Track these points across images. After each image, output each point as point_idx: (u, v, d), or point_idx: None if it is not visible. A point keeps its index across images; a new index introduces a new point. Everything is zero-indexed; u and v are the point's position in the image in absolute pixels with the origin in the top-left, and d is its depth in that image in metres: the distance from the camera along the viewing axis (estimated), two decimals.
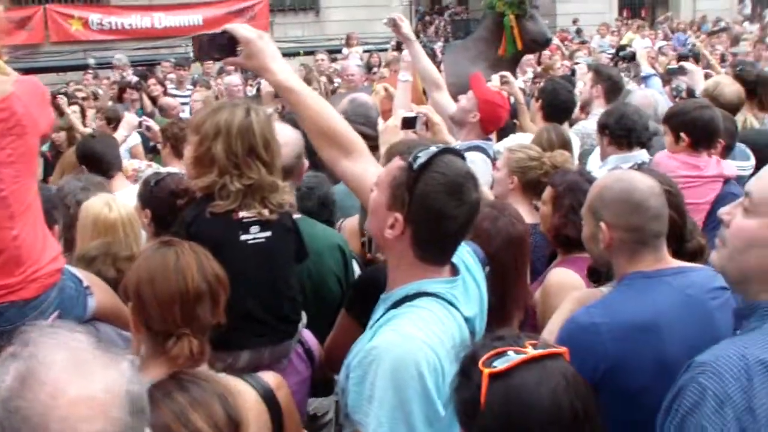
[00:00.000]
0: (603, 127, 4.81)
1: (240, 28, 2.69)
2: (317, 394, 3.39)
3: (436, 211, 2.16)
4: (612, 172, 3.01)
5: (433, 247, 2.25)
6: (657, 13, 29.60)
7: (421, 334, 2.10)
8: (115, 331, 2.99)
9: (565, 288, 3.27)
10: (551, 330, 2.85)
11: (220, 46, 2.74)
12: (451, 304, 2.24)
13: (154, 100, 10.58)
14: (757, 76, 6.78)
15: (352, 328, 2.87)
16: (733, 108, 5.38)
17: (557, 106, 5.71)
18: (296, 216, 3.46)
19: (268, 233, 2.92)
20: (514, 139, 5.06)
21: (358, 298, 2.91)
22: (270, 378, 2.64)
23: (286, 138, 3.28)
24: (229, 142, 2.86)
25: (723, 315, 2.37)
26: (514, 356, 1.70)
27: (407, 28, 5.33)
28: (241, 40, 2.67)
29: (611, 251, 2.68)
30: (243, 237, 2.88)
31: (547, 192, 3.67)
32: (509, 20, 9.27)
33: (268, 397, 2.55)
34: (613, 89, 6.12)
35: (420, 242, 2.22)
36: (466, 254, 2.47)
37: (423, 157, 2.16)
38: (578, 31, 24.50)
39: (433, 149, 2.19)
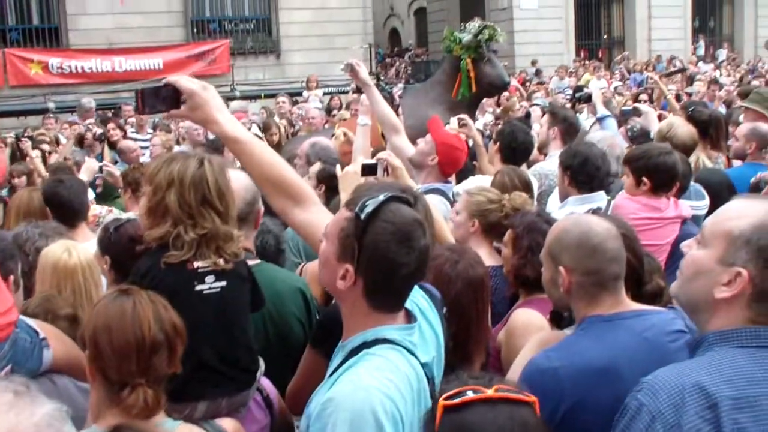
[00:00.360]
0: (566, 168, 4.84)
1: (183, 80, 2.68)
2: None
3: (386, 260, 2.16)
4: (569, 216, 3.04)
5: (386, 295, 2.25)
6: (614, 54, 30.15)
7: (377, 382, 2.10)
8: (73, 383, 2.93)
9: (530, 329, 3.30)
10: (514, 371, 2.86)
11: (164, 99, 2.71)
12: (408, 350, 2.24)
13: (113, 144, 10.54)
14: (710, 116, 6.92)
15: (318, 365, 2.86)
16: (687, 149, 5.48)
17: (515, 148, 5.76)
18: (256, 261, 3.47)
19: (223, 283, 2.91)
20: (473, 182, 5.09)
21: (325, 334, 2.89)
22: (227, 424, 2.63)
23: (240, 184, 3.27)
24: (183, 193, 2.85)
25: (682, 357, 2.38)
26: (470, 394, 1.79)
27: (364, 73, 5.36)
28: (184, 92, 2.66)
29: (570, 295, 2.72)
30: (198, 287, 2.85)
31: (508, 234, 3.71)
32: (466, 64, 9.34)
33: None
34: (569, 131, 6.19)
35: (372, 291, 2.22)
36: (420, 298, 2.47)
37: (370, 206, 2.17)
38: (537, 72, 24.89)
39: (380, 198, 2.20)
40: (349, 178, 3.64)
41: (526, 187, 4.83)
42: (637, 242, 3.03)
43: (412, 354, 2.25)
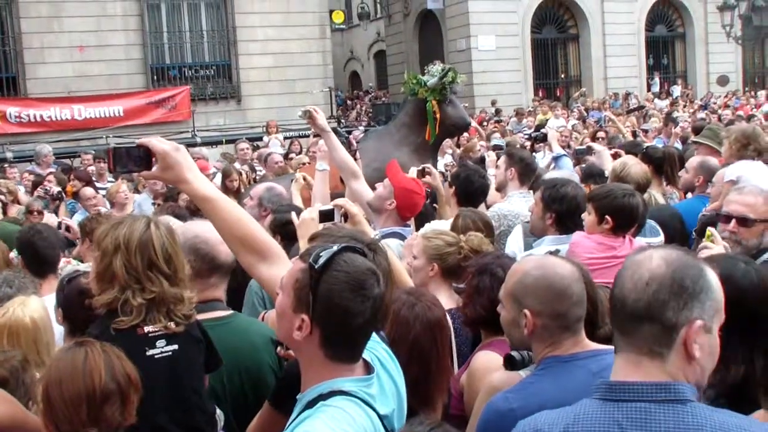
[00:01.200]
0: (550, 209, 4.84)
1: (155, 141, 2.70)
2: None
3: (341, 309, 2.17)
4: (527, 258, 3.08)
5: (342, 344, 2.25)
6: (571, 92, 30.58)
7: None
8: None
9: (490, 371, 3.29)
10: (475, 417, 2.89)
11: (136, 159, 2.72)
12: (366, 402, 2.23)
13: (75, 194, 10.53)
14: (663, 153, 7.07)
15: (274, 422, 2.86)
16: (641, 187, 5.57)
17: (471, 192, 5.80)
18: (228, 313, 3.47)
19: (175, 346, 2.93)
20: (432, 226, 5.13)
21: (284, 394, 2.89)
22: None
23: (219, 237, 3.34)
24: (129, 258, 2.88)
25: None
26: None
27: (322, 119, 5.40)
28: (157, 153, 2.67)
29: (533, 336, 2.75)
30: (149, 352, 2.87)
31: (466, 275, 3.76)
32: (431, 106, 9.46)
33: None
34: (526, 171, 6.26)
35: (328, 341, 2.22)
36: (380, 349, 2.48)
37: (324, 256, 2.18)
38: (497, 111, 25.15)
39: (334, 248, 2.22)
40: (307, 225, 3.66)
41: (488, 227, 4.87)
42: (593, 286, 3.07)
43: (370, 406, 2.24)
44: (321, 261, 2.18)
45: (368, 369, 2.36)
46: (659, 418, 1.94)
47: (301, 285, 2.21)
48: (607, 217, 4.49)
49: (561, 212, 4.80)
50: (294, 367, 2.64)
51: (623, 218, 4.53)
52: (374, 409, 2.25)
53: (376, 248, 3.04)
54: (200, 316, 3.27)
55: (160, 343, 2.89)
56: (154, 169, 2.71)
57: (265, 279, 2.78)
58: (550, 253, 3.42)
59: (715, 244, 4.09)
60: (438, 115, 9.44)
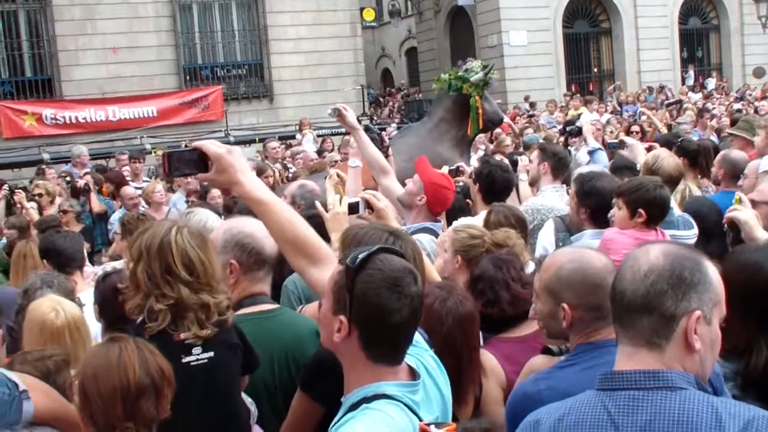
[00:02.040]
0: (584, 204, 4.87)
1: (209, 144, 2.72)
2: None
3: (377, 308, 2.17)
4: (561, 251, 3.08)
5: (381, 344, 2.24)
6: (604, 87, 30.37)
7: None
8: None
9: (487, 371, 3.41)
10: None
11: (191, 162, 2.76)
12: (410, 408, 2.22)
13: (113, 195, 10.70)
14: (698, 146, 7.00)
15: (307, 409, 2.88)
16: (673, 180, 5.51)
17: (494, 188, 5.78)
18: (274, 306, 3.50)
19: (211, 353, 2.95)
20: (464, 221, 5.12)
21: (313, 377, 2.91)
22: None
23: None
24: (150, 264, 2.91)
25: None
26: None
27: (352, 117, 5.41)
28: (211, 156, 2.69)
29: (571, 329, 2.77)
30: (185, 359, 2.89)
31: None
32: (475, 101, 9.60)
33: None
34: (559, 165, 6.24)
35: (367, 341, 2.22)
36: (428, 358, 2.48)
37: (359, 257, 2.20)
38: (532, 105, 25.04)
39: (370, 249, 2.24)
40: (338, 219, 3.67)
41: (521, 222, 4.85)
42: None
43: (414, 412, 2.23)
44: (356, 261, 2.19)
45: (414, 375, 2.35)
46: (645, 404, 1.97)
47: (338, 286, 2.23)
48: (640, 210, 4.44)
49: (594, 206, 4.78)
50: (323, 352, 2.66)
51: (656, 211, 4.49)
52: (418, 416, 2.23)
53: (400, 235, 3.06)
54: (247, 310, 3.32)
55: (196, 350, 2.91)
56: (209, 172, 2.74)
57: (315, 282, 2.76)
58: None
59: (745, 207, 4.05)
60: (480, 111, 9.59)
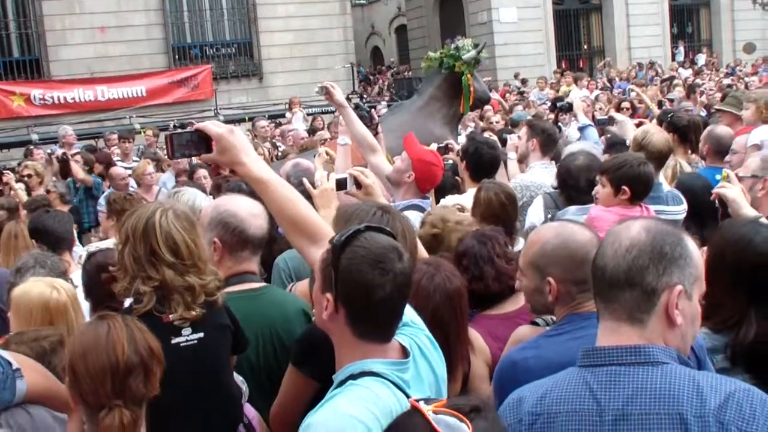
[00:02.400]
0: (563, 183, 4.94)
1: (210, 125, 2.73)
2: None
3: (360, 284, 2.19)
4: (545, 226, 3.08)
5: (367, 321, 2.25)
6: (594, 63, 30.32)
7: (356, 410, 2.09)
8: (49, 413, 2.92)
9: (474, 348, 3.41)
10: None
11: (192, 143, 2.78)
12: (397, 386, 2.22)
13: (102, 174, 10.68)
14: (688, 122, 6.99)
15: (299, 384, 2.88)
16: (663, 156, 5.51)
17: (482, 165, 5.76)
18: (261, 285, 3.50)
19: (201, 334, 2.96)
20: (453, 199, 5.13)
21: (304, 352, 2.91)
22: None
23: (255, 211, 3.40)
24: (135, 246, 2.94)
25: None
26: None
27: (339, 95, 5.40)
28: (212, 137, 2.70)
29: (557, 302, 2.80)
30: (175, 340, 2.91)
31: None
32: (467, 79, 9.71)
33: None
34: (547, 142, 6.23)
35: (353, 318, 2.24)
36: (423, 338, 2.48)
37: (344, 234, 2.23)
38: (524, 81, 25.01)
39: (357, 227, 2.26)
40: (326, 196, 3.67)
41: (510, 199, 4.83)
42: None
43: (402, 390, 2.23)
44: (341, 238, 2.22)
45: (405, 354, 2.35)
46: (626, 379, 1.99)
47: (325, 264, 2.26)
48: (624, 187, 4.46)
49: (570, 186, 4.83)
50: (313, 329, 2.67)
51: (640, 187, 4.51)
52: (406, 394, 2.22)
53: (390, 210, 3.06)
54: (232, 289, 3.31)
55: (186, 331, 2.93)
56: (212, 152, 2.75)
57: (314, 261, 2.72)
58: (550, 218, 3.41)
59: (732, 184, 4.06)
60: (473, 88, 9.68)
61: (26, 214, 7.37)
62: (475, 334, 3.47)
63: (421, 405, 1.73)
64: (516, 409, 2.15)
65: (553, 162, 6.15)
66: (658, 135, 5.69)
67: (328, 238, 2.62)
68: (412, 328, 2.46)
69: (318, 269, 2.31)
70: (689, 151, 6.99)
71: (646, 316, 2.01)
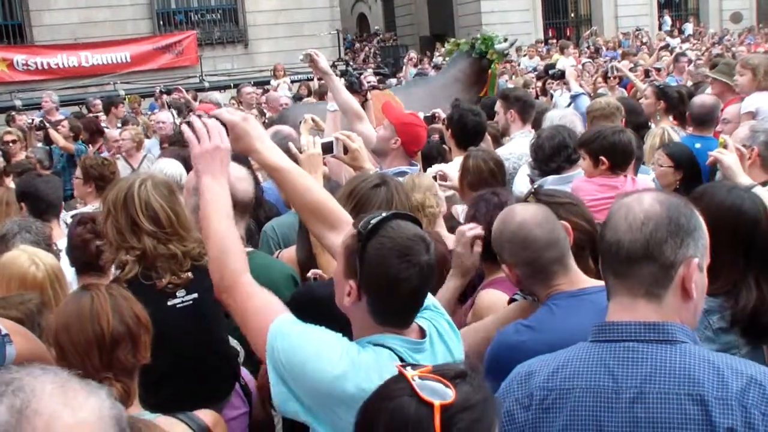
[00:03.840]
0: (536, 154, 4.93)
1: (224, 113, 2.68)
2: None
3: (386, 275, 2.16)
4: (500, 215, 3.04)
5: (389, 311, 2.24)
6: (581, 32, 30.23)
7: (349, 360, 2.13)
8: None
9: (495, 309, 3.31)
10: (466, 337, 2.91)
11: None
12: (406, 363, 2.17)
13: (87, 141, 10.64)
14: (678, 93, 6.99)
15: None
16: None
17: (467, 132, 5.74)
18: (248, 250, 3.50)
19: (195, 295, 3.03)
20: (439, 167, 5.11)
21: (295, 315, 2.91)
22: (206, 416, 2.63)
23: (239, 175, 3.39)
24: (116, 218, 3.00)
25: None
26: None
27: (324, 62, 5.35)
28: (226, 124, 2.65)
29: (522, 284, 2.81)
30: (170, 302, 2.98)
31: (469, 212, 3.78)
32: (495, 68, 10.57)
33: None
34: (525, 109, 6.18)
35: (376, 308, 2.22)
36: (443, 321, 2.46)
37: (371, 222, 2.20)
38: (519, 49, 24.81)
39: (383, 214, 2.22)
40: (313, 160, 3.65)
41: (499, 166, 4.82)
42: (591, 221, 3.06)
43: None
44: (368, 226, 2.19)
45: (423, 336, 2.34)
46: (645, 357, 1.94)
47: (350, 250, 2.22)
48: (601, 158, 4.47)
49: (546, 155, 4.86)
50: (302, 292, 2.68)
51: (617, 156, 4.51)
52: None
53: (388, 182, 3.06)
54: None
55: (180, 293, 3.00)
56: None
57: (331, 246, 2.72)
58: (533, 190, 3.39)
59: (729, 151, 4.06)
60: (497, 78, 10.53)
61: (12, 178, 7.32)
62: (494, 294, 3.42)
63: (407, 371, 1.72)
64: (525, 383, 2.09)
65: (533, 130, 6.08)
66: (608, 99, 5.78)
67: (347, 224, 2.54)
68: (433, 312, 2.45)
69: (341, 254, 2.27)
70: (676, 122, 6.99)
71: (663, 291, 1.96)
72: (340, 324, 2.28)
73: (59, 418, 1.29)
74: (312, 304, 2.44)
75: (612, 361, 1.97)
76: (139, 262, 2.95)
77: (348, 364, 2.11)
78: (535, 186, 3.40)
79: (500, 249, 2.78)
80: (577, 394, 1.98)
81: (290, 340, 2.14)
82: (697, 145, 5.51)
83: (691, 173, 5.03)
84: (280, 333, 2.16)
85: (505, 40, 10.69)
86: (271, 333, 2.17)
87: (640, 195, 2.04)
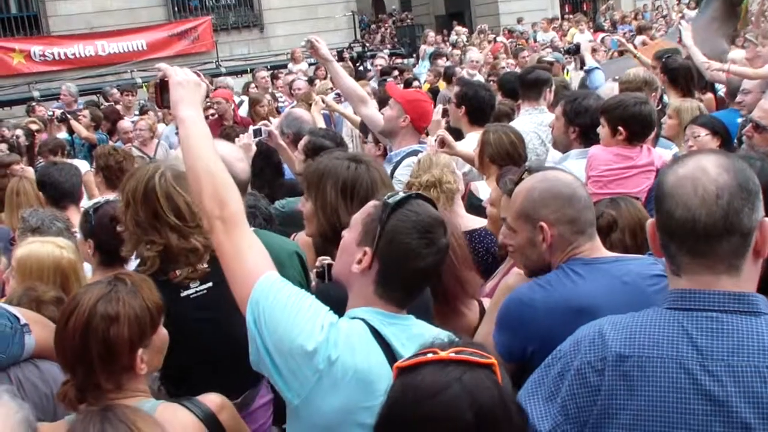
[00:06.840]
0: (572, 123, 4.86)
1: (167, 67, 2.65)
2: None
3: (404, 248, 2.21)
4: (526, 179, 2.98)
5: (396, 285, 2.26)
6: (599, 6, 29.94)
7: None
8: (57, 367, 2.93)
9: None
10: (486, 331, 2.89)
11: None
12: (378, 333, 2.20)
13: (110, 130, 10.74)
14: (679, 65, 6.89)
15: None
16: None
17: (483, 108, 5.71)
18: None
19: (209, 284, 3.03)
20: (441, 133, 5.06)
21: None
22: (211, 400, 2.63)
23: (235, 156, 3.40)
24: (137, 211, 2.97)
25: (660, 301, 2.38)
26: (429, 356, 1.76)
27: (324, 49, 5.31)
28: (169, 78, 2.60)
29: (552, 248, 2.72)
30: (185, 293, 3.00)
31: (494, 193, 3.73)
32: (746, 3, 11.11)
33: (210, 421, 2.54)
34: (530, 86, 6.03)
35: (384, 278, 2.24)
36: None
37: (398, 196, 2.26)
38: (533, 25, 24.68)
39: (409, 193, 2.29)
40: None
41: (520, 139, 4.80)
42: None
43: (383, 339, 2.20)
44: (395, 199, 2.24)
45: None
46: (731, 328, 1.85)
47: (372, 218, 2.26)
48: (619, 127, 4.44)
49: (585, 125, 4.75)
50: (326, 288, 2.68)
51: (636, 127, 4.47)
52: (391, 348, 2.19)
53: (362, 159, 3.07)
54: None
55: (194, 284, 3.02)
56: None
57: (220, 243, 2.36)
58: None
59: None
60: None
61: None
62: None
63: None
64: (599, 346, 1.97)
65: (538, 108, 5.94)
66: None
67: (237, 218, 2.35)
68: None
69: (359, 221, 2.30)
70: (680, 95, 6.87)
71: (741, 261, 1.88)
72: None
73: None
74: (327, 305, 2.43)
75: (695, 331, 1.88)
76: (160, 257, 2.96)
77: (323, 339, 2.10)
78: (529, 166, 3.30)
79: (539, 208, 2.71)
80: (657, 363, 1.88)
81: (277, 300, 2.14)
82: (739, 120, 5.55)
83: (726, 139, 5.05)
84: (270, 290, 2.16)
85: None
86: (259, 287, 2.17)
87: (700, 164, 1.91)
